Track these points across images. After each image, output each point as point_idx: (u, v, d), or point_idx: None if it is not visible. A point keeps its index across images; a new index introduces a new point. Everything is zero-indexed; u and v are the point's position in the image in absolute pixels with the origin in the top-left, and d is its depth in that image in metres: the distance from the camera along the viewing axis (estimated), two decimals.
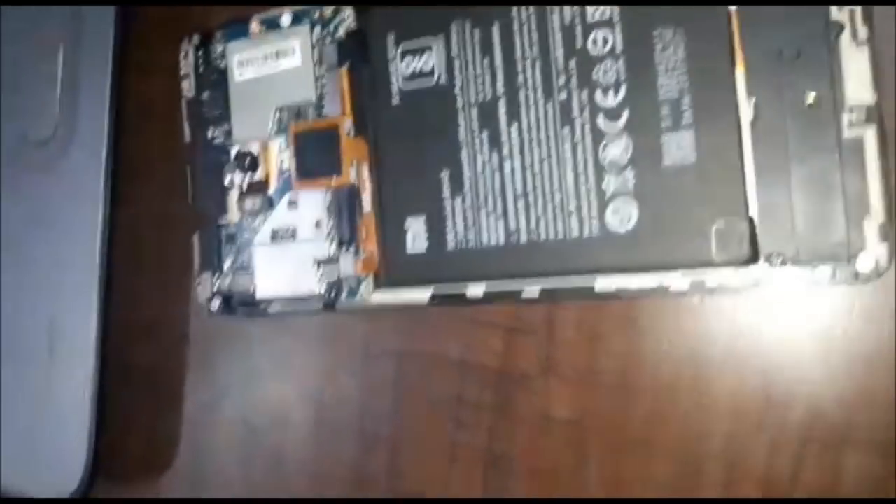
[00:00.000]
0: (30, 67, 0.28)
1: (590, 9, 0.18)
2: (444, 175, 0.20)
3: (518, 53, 0.19)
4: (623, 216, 0.18)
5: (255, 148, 0.23)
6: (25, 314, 0.27)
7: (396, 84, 0.20)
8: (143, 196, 0.27)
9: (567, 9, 0.18)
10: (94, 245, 0.27)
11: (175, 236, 0.26)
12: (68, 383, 0.27)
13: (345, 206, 0.21)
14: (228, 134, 0.23)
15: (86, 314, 0.27)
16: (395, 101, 0.20)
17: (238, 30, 0.23)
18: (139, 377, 0.27)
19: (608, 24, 0.18)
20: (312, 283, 0.22)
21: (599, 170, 0.18)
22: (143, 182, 0.27)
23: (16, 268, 0.28)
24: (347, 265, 0.21)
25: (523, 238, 0.19)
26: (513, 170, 0.19)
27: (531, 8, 0.19)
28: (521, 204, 0.19)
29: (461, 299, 0.20)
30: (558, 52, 0.19)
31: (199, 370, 0.26)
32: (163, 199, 0.26)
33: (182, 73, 0.23)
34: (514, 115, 0.19)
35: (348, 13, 0.21)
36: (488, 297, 0.20)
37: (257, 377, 0.25)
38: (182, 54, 0.24)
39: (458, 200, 0.20)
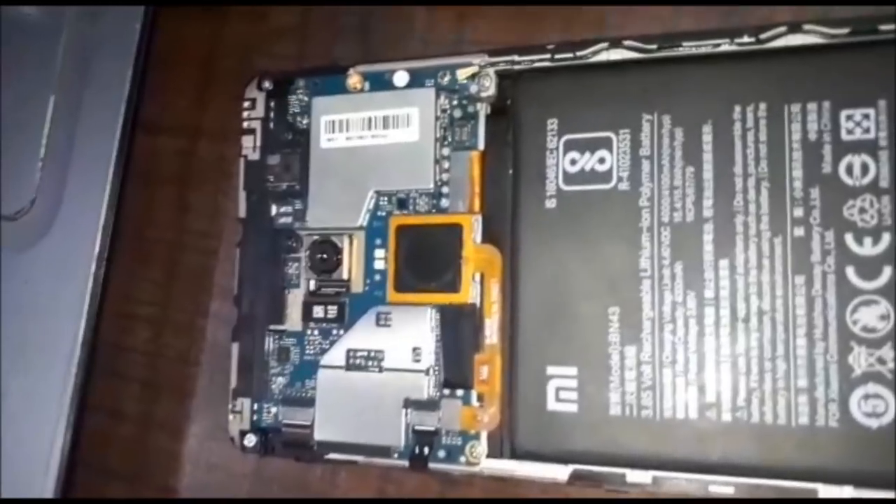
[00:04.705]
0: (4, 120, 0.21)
1: (845, 123, 0.14)
2: (613, 313, 0.15)
3: (738, 167, 0.14)
4: (875, 406, 0.13)
5: (337, 238, 0.17)
6: None
7: (554, 182, 0.15)
8: (145, 293, 0.20)
9: (813, 120, 0.14)
10: (70, 356, 0.19)
11: (184, 345, 0.19)
12: None
13: (458, 333, 0.16)
14: (301, 215, 0.17)
15: (46, 443, 0.19)
16: (550, 204, 0.15)
17: (331, 82, 0.17)
18: None
19: (871, 147, 0.14)
20: (397, 432, 0.16)
21: (846, 338, 0.13)
22: (146, 273, 0.20)
23: None
24: (452, 415, 0.16)
25: (725, 416, 0.14)
26: (717, 321, 0.14)
27: (762, 108, 0.14)
28: (725, 369, 0.14)
29: (617, 482, 0.15)
30: (796, 174, 0.14)
31: None
32: (170, 298, 0.20)
33: (245, 125, 0.18)
34: (724, 246, 0.14)
35: (490, 79, 0.16)
36: (656, 484, 0.14)
37: None
38: (247, 102, 0.18)
39: (632, 350, 0.15)
